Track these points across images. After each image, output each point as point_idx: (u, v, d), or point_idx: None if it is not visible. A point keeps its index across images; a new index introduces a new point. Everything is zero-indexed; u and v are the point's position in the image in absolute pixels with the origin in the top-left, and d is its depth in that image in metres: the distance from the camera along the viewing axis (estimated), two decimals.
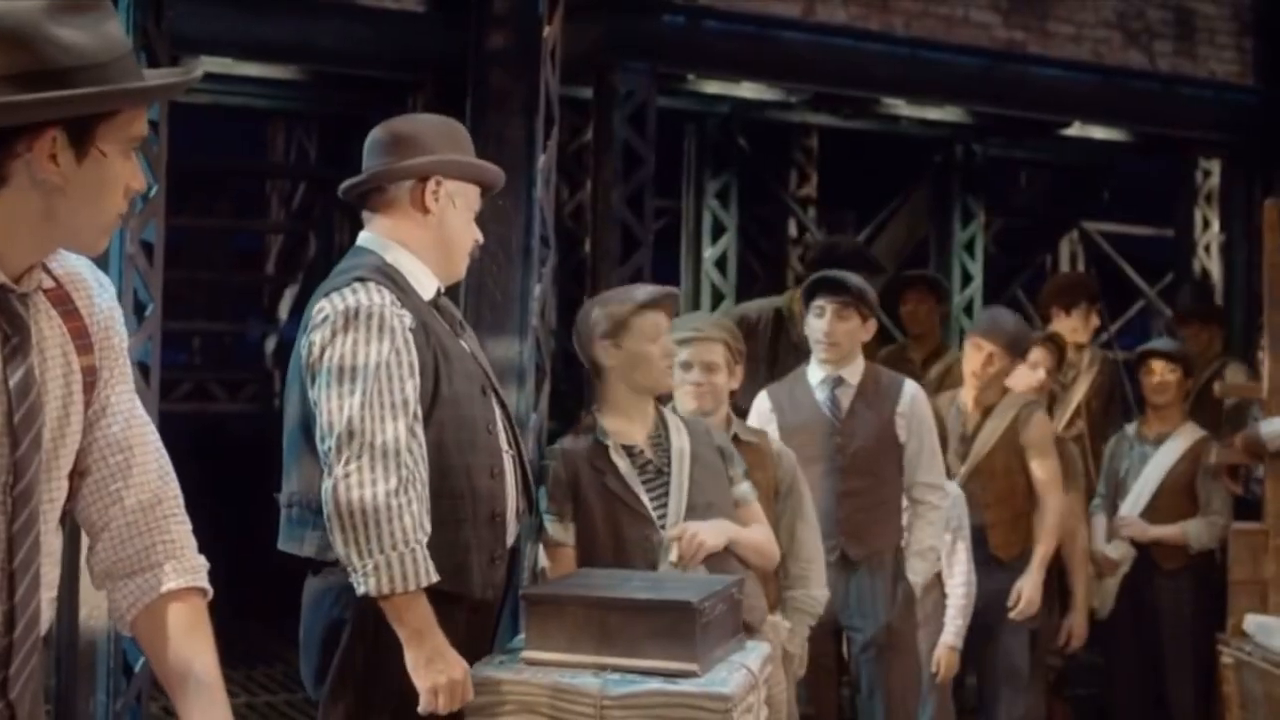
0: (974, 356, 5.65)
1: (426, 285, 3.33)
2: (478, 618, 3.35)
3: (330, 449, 3.07)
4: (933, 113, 8.19)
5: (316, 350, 3.14)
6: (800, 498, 4.52)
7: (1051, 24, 7.79)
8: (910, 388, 5.14)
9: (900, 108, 7.99)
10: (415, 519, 3.08)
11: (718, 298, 8.36)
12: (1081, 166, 10.26)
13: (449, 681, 3.12)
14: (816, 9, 7.15)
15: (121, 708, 4.47)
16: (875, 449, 5.03)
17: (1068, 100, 8.01)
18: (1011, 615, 5.63)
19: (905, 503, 5.11)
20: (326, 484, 3.06)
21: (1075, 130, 8.45)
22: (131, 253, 4.47)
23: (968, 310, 8.83)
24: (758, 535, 4.09)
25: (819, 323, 5.03)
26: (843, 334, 5.00)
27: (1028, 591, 5.62)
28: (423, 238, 3.32)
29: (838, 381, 5.07)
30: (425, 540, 3.10)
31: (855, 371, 5.08)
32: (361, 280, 3.18)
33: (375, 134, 3.38)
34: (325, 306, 3.17)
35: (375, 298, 3.15)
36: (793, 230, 10.43)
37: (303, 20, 6.82)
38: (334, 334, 3.12)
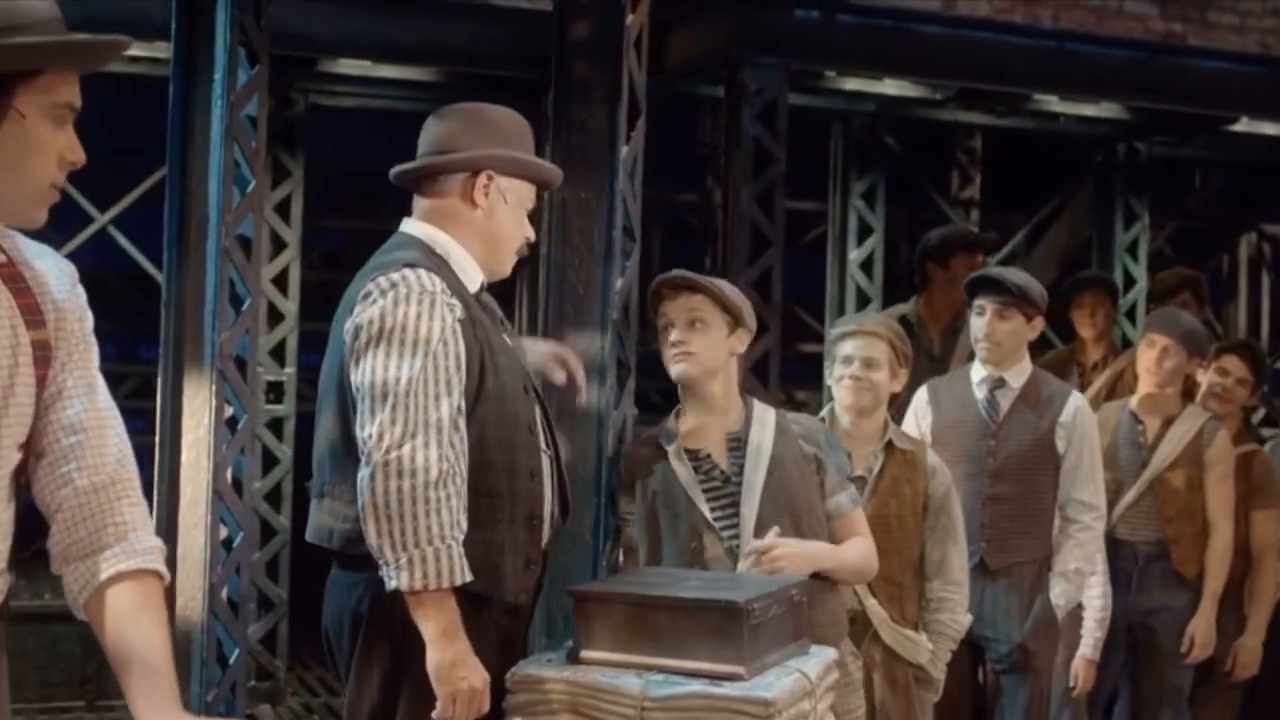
0: (1147, 353, 5.39)
1: (472, 277, 3.26)
2: (510, 622, 3.27)
3: (370, 435, 2.98)
4: (1089, 109, 7.89)
5: (365, 334, 3.05)
6: (952, 519, 4.34)
7: (1213, 14, 7.43)
8: (1076, 399, 4.94)
9: (1052, 104, 7.72)
10: (453, 514, 2.99)
11: (863, 301, 8.18)
12: (1257, 165, 9.78)
13: (470, 689, 3.04)
14: (958, 3, 6.92)
15: (214, 699, 4.50)
16: (1029, 457, 4.85)
17: (1233, 95, 7.61)
18: (1187, 661, 5.38)
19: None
20: (364, 472, 2.98)
21: (1243, 126, 8.05)
22: (227, 246, 4.50)
23: (1130, 315, 8.48)
24: (853, 556, 3.87)
25: (979, 322, 4.86)
26: (1004, 334, 4.82)
27: (1201, 635, 5.38)
28: (470, 231, 3.26)
29: (998, 383, 4.89)
30: (461, 538, 3.02)
31: (1019, 375, 4.90)
32: (411, 266, 3.10)
33: (432, 120, 3.34)
34: (372, 289, 3.08)
35: (427, 283, 3.07)
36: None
37: (435, 21, 6.87)
38: (383, 315, 3.04)
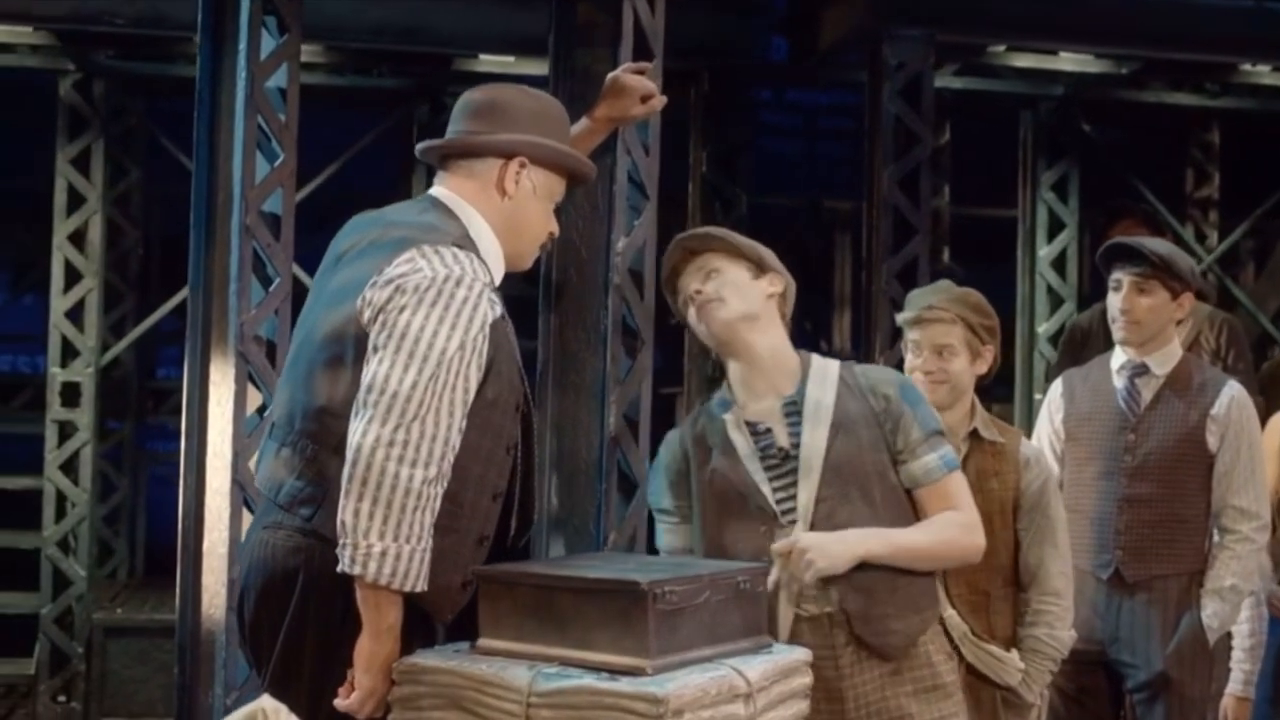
0: None
1: (496, 269, 3.05)
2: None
3: (375, 402, 2.73)
4: None
5: (402, 300, 2.80)
6: (1050, 520, 3.77)
7: None
8: (1233, 389, 4.28)
9: (1264, 76, 6.91)
10: (433, 517, 2.78)
11: (1056, 301, 7.51)
12: None
13: (387, 692, 2.82)
14: None
15: (235, 702, 4.23)
16: (1174, 454, 4.23)
17: None
18: None
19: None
20: (362, 439, 2.71)
21: None
22: (249, 223, 4.26)
23: None
24: (921, 536, 3.23)
25: (1115, 297, 4.29)
26: (1143, 310, 4.24)
27: None
28: (495, 219, 3.07)
29: (1140, 369, 4.30)
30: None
31: (1165, 360, 4.30)
32: (460, 247, 2.91)
33: (470, 96, 3.17)
34: (418, 259, 2.85)
35: (480, 273, 2.89)
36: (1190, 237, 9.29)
37: None
38: (429, 291, 2.80)
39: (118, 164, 7.73)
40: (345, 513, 2.72)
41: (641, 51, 3.77)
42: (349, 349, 2.87)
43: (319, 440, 2.88)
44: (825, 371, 3.27)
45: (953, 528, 3.27)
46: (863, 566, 3.15)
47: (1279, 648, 4.68)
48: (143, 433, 8.80)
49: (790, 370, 3.26)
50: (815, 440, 3.18)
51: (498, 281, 3.03)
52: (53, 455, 7.33)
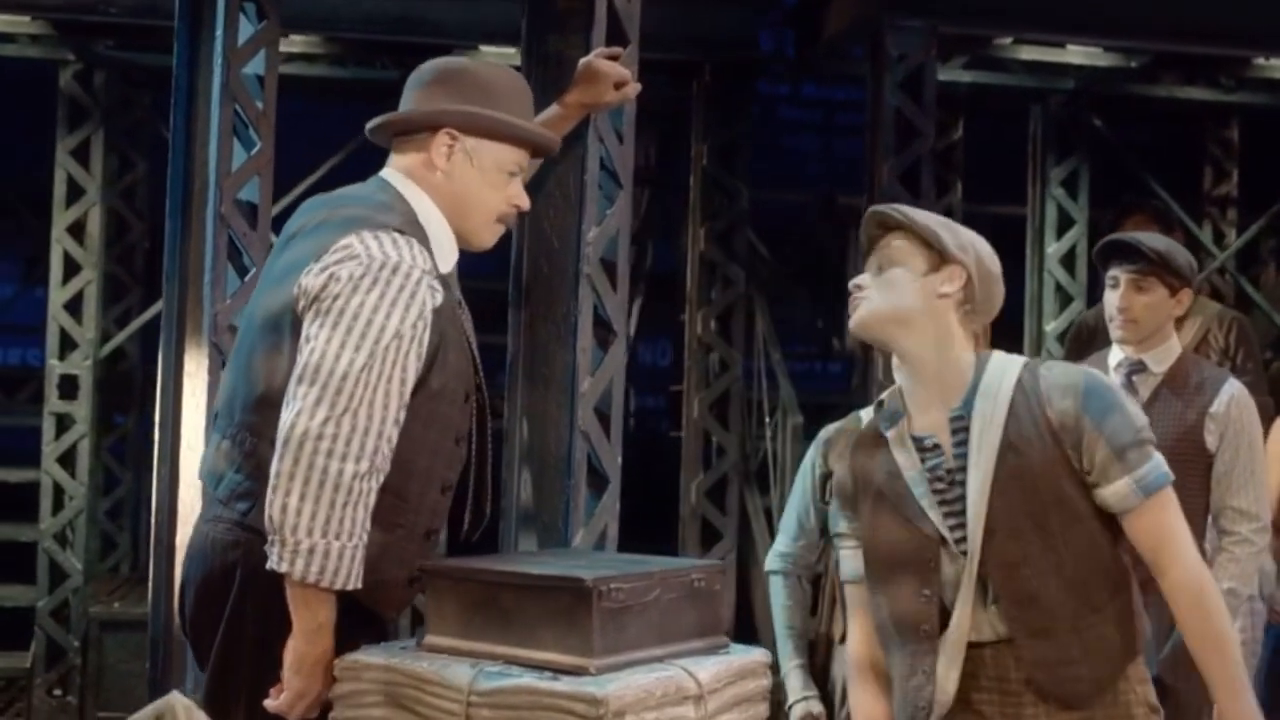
0: None
1: (447, 254, 2.95)
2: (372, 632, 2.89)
3: (310, 397, 2.64)
4: None
5: (337, 288, 2.71)
6: None
7: None
8: (1232, 387, 4.15)
9: (1276, 70, 6.77)
10: (367, 513, 2.69)
11: (1064, 299, 7.39)
12: None
13: (321, 693, 2.74)
14: None
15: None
16: (1172, 453, 3.99)
17: None
18: None
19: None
20: (291, 431, 2.63)
21: None
22: (224, 211, 4.19)
23: None
24: (1229, 631, 2.85)
25: (1112, 295, 4.16)
26: (1141, 308, 4.11)
27: None
28: (435, 196, 2.96)
29: (1137, 367, 4.17)
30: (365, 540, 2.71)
31: (1163, 358, 4.17)
32: (402, 233, 2.81)
33: (416, 71, 3.07)
34: (355, 245, 2.75)
35: (420, 260, 2.78)
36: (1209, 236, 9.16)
37: None
38: (365, 279, 2.71)
39: (123, 156, 7.68)
40: (273, 507, 2.63)
41: (616, 37, 3.68)
42: (286, 335, 2.78)
43: (258, 433, 2.79)
44: (1001, 377, 2.80)
45: (1205, 589, 2.89)
46: (1035, 603, 2.76)
47: (1274, 651, 4.57)
48: (147, 426, 8.75)
49: (961, 376, 2.81)
50: (982, 463, 2.75)
51: (448, 265, 2.93)
52: (50, 448, 7.29)
